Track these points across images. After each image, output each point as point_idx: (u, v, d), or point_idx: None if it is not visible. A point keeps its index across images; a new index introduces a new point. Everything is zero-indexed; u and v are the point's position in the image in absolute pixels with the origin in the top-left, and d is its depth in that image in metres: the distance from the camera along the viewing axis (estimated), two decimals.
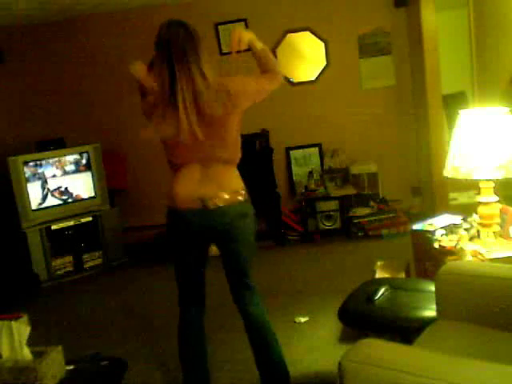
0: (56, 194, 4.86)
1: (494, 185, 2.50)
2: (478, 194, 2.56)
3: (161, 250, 5.06)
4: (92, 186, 5.01)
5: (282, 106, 5.35)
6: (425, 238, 2.81)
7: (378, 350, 1.43)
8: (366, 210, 5.01)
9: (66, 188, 4.91)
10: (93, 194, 5.03)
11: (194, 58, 2.19)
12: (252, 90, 2.36)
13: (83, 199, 4.99)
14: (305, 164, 5.40)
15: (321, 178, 5.24)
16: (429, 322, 2.11)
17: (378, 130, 5.29)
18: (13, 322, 2.11)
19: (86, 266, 4.92)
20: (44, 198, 4.79)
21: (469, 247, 2.50)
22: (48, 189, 4.82)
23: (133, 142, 5.41)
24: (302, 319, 3.34)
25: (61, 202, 4.87)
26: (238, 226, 2.33)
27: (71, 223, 4.85)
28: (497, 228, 2.54)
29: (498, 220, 2.54)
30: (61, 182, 4.87)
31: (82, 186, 4.98)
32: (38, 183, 4.76)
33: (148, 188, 5.49)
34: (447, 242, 2.62)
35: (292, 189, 5.42)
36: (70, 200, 4.92)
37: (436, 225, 2.82)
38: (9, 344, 2.09)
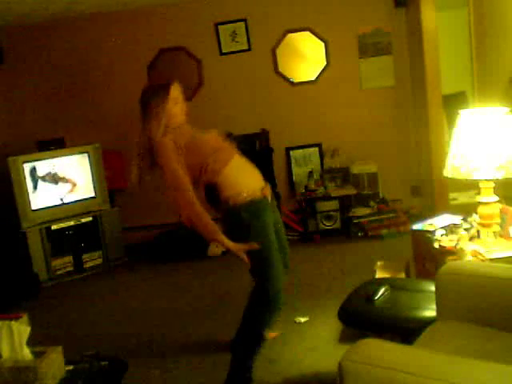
0: (56, 194, 4.86)
1: (493, 185, 2.50)
2: (478, 194, 2.56)
3: (161, 250, 5.07)
4: (92, 185, 5.01)
5: (282, 105, 5.36)
6: (425, 237, 2.81)
7: (378, 349, 1.44)
8: (366, 210, 5.01)
9: (66, 188, 4.91)
10: (93, 194, 5.03)
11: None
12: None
13: (83, 199, 4.99)
14: (305, 164, 5.40)
15: (321, 178, 5.24)
16: (429, 322, 2.11)
17: (377, 129, 5.29)
18: (13, 322, 2.11)
19: (86, 266, 4.92)
20: (44, 197, 4.79)
21: (469, 247, 2.50)
22: (48, 189, 4.82)
23: (133, 142, 5.41)
24: (302, 319, 3.34)
25: (61, 202, 4.87)
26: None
27: (71, 223, 4.85)
28: (497, 228, 2.54)
29: (498, 220, 2.54)
30: (60, 181, 4.87)
31: (82, 186, 4.98)
32: (38, 183, 4.76)
33: (148, 188, 5.48)
34: (447, 241, 2.62)
35: (292, 189, 5.42)
36: (69, 200, 4.92)
37: (436, 225, 2.82)
38: (9, 344, 2.09)
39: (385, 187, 5.20)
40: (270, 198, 2.63)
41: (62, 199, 4.89)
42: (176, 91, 2.56)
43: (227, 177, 2.53)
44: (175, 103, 2.54)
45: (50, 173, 4.83)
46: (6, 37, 5.34)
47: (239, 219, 2.50)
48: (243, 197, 2.50)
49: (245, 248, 2.46)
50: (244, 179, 2.57)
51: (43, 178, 4.79)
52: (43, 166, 4.79)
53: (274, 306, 2.61)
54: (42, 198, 4.77)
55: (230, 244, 2.46)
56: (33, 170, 4.72)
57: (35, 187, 4.73)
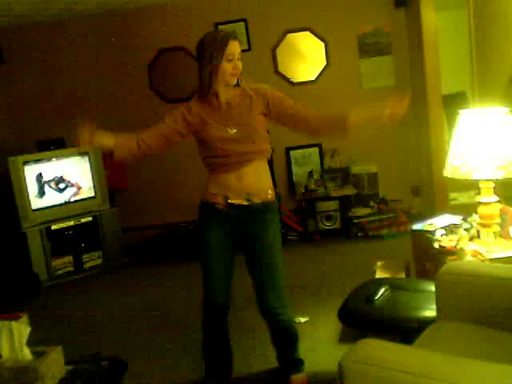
0: (56, 194, 4.86)
1: (493, 185, 2.50)
2: (478, 194, 2.56)
3: (161, 250, 5.07)
4: (92, 186, 5.01)
5: None
6: (425, 237, 2.81)
7: (378, 349, 1.43)
8: (366, 210, 5.01)
9: (66, 188, 4.91)
10: (93, 194, 5.03)
11: None
12: None
13: (83, 199, 4.99)
14: (305, 164, 5.40)
15: (321, 178, 5.23)
16: (429, 322, 2.11)
17: (378, 130, 5.27)
18: (13, 322, 2.11)
19: (86, 266, 4.92)
20: (44, 197, 4.78)
21: (469, 247, 2.49)
22: (48, 189, 4.82)
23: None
24: (302, 319, 3.34)
25: (61, 202, 4.87)
26: None
27: (71, 223, 4.85)
28: (497, 228, 2.54)
29: (498, 220, 2.53)
30: (60, 181, 4.87)
31: (82, 185, 4.98)
32: (38, 183, 4.76)
33: (148, 188, 5.48)
34: (447, 241, 2.62)
35: (292, 189, 5.42)
36: (69, 200, 4.92)
37: (436, 225, 2.82)
38: (9, 344, 2.09)
39: (385, 187, 5.20)
40: (224, 208, 2.45)
41: (61, 199, 4.89)
42: (233, 47, 2.37)
43: (213, 177, 2.49)
44: (228, 60, 2.36)
45: (49, 173, 4.83)
46: (6, 37, 5.34)
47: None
48: (204, 195, 2.50)
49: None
50: (219, 183, 2.46)
51: (43, 178, 4.79)
52: (43, 166, 4.79)
53: (205, 314, 2.62)
54: (41, 197, 4.77)
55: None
56: (33, 170, 4.72)
57: (35, 187, 4.73)
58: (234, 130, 2.39)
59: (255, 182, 2.45)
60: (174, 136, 2.46)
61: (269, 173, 2.56)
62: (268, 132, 2.55)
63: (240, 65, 2.39)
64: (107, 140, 2.42)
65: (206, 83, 2.39)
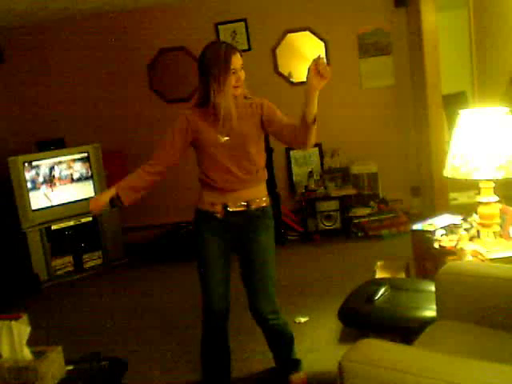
0: (56, 194, 4.86)
1: (494, 185, 2.50)
2: (478, 194, 2.56)
3: (161, 250, 5.07)
4: (92, 185, 5.01)
5: (282, 105, 5.33)
6: (425, 237, 2.81)
7: (378, 349, 1.43)
8: (366, 210, 5.01)
9: (66, 188, 4.91)
10: (93, 194, 5.03)
11: None
12: None
13: (83, 199, 4.98)
14: (305, 164, 5.40)
15: (321, 178, 5.23)
16: (429, 322, 2.11)
17: (377, 129, 5.29)
18: (13, 322, 2.11)
19: (86, 266, 4.92)
20: (44, 197, 4.78)
21: (469, 247, 2.49)
22: (48, 189, 4.82)
23: (133, 142, 5.41)
24: (302, 319, 3.34)
25: (61, 202, 4.87)
26: None
27: (71, 223, 4.85)
28: (497, 228, 2.54)
29: (498, 220, 2.54)
30: (61, 181, 4.87)
31: (82, 186, 4.98)
32: (38, 183, 4.76)
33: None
34: (447, 241, 2.62)
35: (292, 189, 5.42)
36: (69, 200, 4.92)
37: (436, 225, 2.82)
38: (9, 344, 2.09)
39: (385, 187, 5.20)
40: (222, 216, 2.46)
41: (61, 199, 4.88)
42: (236, 62, 2.36)
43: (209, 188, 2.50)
44: (232, 74, 2.37)
45: (50, 173, 4.83)
46: (5, 37, 5.34)
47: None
48: (199, 204, 2.52)
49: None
50: (216, 194, 2.48)
51: (43, 178, 4.79)
52: (43, 166, 4.79)
53: (205, 321, 2.62)
54: (42, 198, 4.77)
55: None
56: (33, 170, 4.72)
57: (35, 187, 4.74)
58: (226, 138, 2.41)
59: (252, 193, 2.49)
60: (181, 150, 2.50)
61: (265, 185, 2.58)
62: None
63: (242, 75, 2.40)
64: (108, 193, 2.66)
65: (208, 96, 2.39)
